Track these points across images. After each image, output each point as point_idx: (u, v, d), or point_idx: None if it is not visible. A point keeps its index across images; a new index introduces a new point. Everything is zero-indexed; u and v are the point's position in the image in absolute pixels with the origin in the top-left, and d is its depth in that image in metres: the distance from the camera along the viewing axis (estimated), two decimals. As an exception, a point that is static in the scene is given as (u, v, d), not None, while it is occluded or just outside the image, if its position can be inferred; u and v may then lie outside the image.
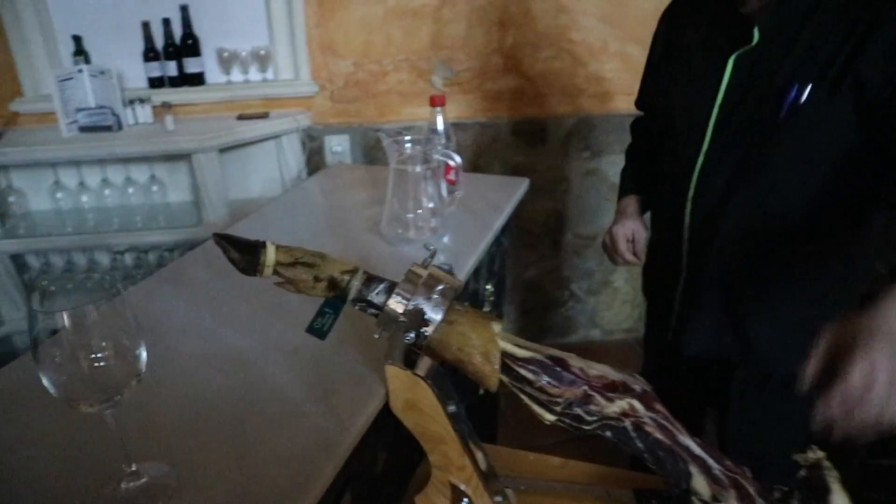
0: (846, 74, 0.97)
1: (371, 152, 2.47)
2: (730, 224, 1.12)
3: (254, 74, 2.38)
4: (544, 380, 0.76)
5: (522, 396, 0.79)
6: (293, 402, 0.85)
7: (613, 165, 2.52)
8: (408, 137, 1.25)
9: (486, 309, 1.57)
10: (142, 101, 2.28)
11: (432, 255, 0.81)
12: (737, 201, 1.10)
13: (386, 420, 0.87)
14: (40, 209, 2.42)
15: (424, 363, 0.81)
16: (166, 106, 2.23)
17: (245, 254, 0.73)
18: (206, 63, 2.36)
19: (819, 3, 1.00)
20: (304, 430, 0.80)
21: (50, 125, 2.26)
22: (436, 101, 1.43)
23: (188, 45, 2.31)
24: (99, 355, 0.60)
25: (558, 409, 0.78)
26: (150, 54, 2.32)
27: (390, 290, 0.76)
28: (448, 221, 1.37)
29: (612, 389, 0.78)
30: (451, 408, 0.83)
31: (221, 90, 2.37)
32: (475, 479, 0.85)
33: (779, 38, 1.04)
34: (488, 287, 1.55)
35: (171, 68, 2.34)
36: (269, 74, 2.39)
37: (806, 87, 1.00)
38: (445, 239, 1.34)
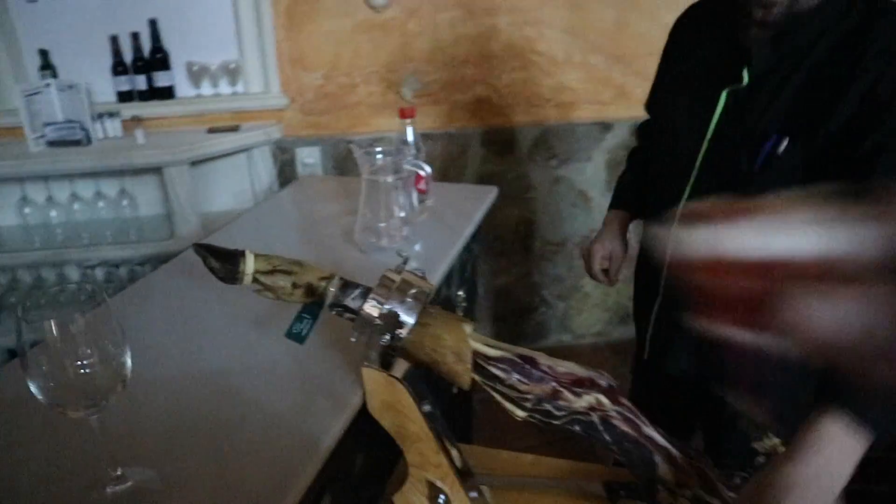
0: (823, 130, 0.96)
1: (342, 164, 2.50)
2: None
3: (224, 88, 2.39)
4: (514, 377, 0.80)
5: (494, 394, 0.83)
6: (273, 406, 0.87)
7: (579, 173, 2.59)
8: (379, 149, 1.29)
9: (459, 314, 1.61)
10: (111, 115, 2.28)
11: (405, 262, 0.84)
12: None
13: (363, 422, 0.90)
14: (7, 224, 2.39)
15: (400, 365, 0.85)
16: (136, 120, 2.23)
17: (225, 263, 0.75)
18: (176, 77, 2.37)
19: (812, 49, 0.98)
20: (284, 433, 0.83)
21: (17, 140, 2.25)
22: (405, 114, 1.46)
23: (157, 59, 2.32)
24: (85, 362, 0.62)
25: (528, 405, 0.82)
26: (118, 68, 2.32)
27: (366, 294, 0.79)
28: (419, 230, 1.41)
29: (580, 385, 0.82)
30: (427, 407, 0.86)
31: (191, 104, 2.37)
32: (451, 475, 0.88)
33: (767, 83, 1.02)
34: (460, 293, 1.58)
35: (141, 82, 2.34)
36: (240, 88, 2.40)
37: (784, 139, 0.99)
38: (417, 247, 1.37)
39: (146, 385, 0.90)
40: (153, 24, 2.29)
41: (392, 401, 0.84)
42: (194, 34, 2.34)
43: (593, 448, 0.91)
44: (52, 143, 2.22)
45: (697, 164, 1.11)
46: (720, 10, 1.12)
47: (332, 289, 0.79)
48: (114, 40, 2.29)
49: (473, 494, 0.91)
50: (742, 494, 0.80)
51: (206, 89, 2.39)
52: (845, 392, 0.80)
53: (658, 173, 1.25)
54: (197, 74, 2.35)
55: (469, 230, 1.50)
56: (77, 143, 2.22)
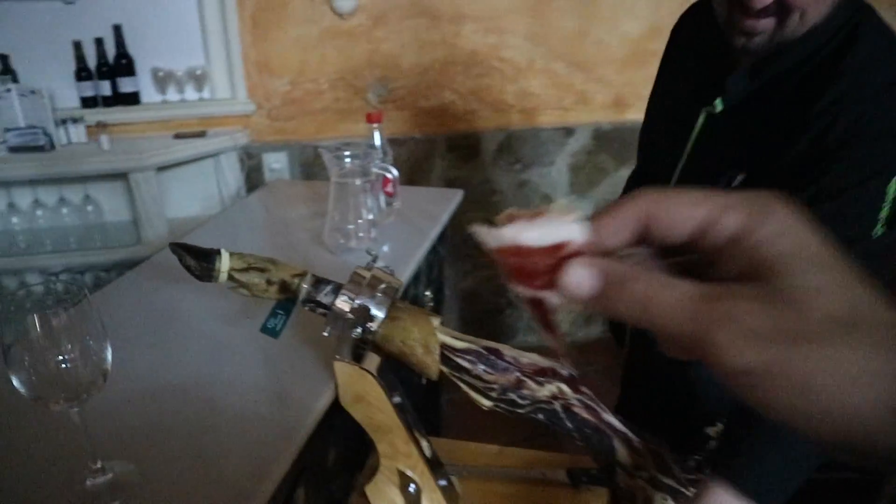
0: (776, 170, 0.93)
1: (309, 169, 2.52)
2: None
3: (190, 94, 2.40)
4: (480, 368, 0.84)
5: (461, 384, 0.86)
6: (248, 400, 0.90)
7: (543, 177, 2.65)
8: (347, 152, 1.32)
9: (427, 315, 1.64)
10: (74, 120, 2.27)
11: (374, 259, 0.88)
12: None
13: (335, 417, 0.94)
14: (-33, 232, 2.36)
15: (370, 358, 0.88)
16: (101, 125, 2.22)
17: (201, 261, 0.78)
18: (141, 83, 2.36)
19: (785, 82, 0.94)
20: (260, 426, 0.86)
21: (-23, 146, 2.22)
22: (372, 119, 1.50)
23: (122, 65, 2.31)
24: (67, 357, 0.65)
25: (494, 394, 0.86)
26: (82, 74, 2.31)
27: (337, 290, 0.82)
28: (387, 231, 1.44)
29: (542, 374, 0.86)
30: (396, 399, 0.90)
31: (157, 110, 2.37)
32: (421, 464, 0.92)
33: (738, 114, 0.99)
34: (427, 293, 1.62)
35: (105, 88, 2.33)
36: (206, 94, 2.41)
37: (740, 175, 0.97)
38: (385, 248, 1.40)
39: (123, 381, 0.91)
40: (117, 29, 2.28)
41: (363, 393, 0.88)
42: (160, 40, 2.34)
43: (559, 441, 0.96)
44: (14, 149, 2.20)
45: (674, 179, 1.10)
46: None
47: (305, 285, 0.82)
48: (77, 46, 2.28)
49: (443, 483, 0.95)
50: None
51: (173, 95, 2.39)
52: (730, 465, 0.86)
53: (637, 179, 1.28)
54: (163, 80, 2.35)
55: (435, 231, 1.54)
56: (40, 148, 2.21)
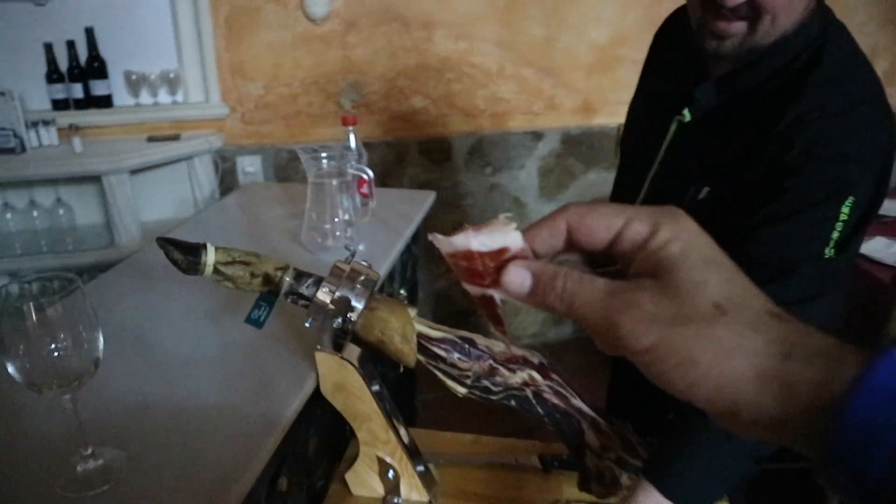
0: (738, 186, 0.94)
1: (283, 172, 2.54)
2: None
3: (163, 97, 2.41)
4: (455, 356, 0.88)
5: (437, 373, 0.90)
6: (232, 390, 0.93)
7: (513, 180, 2.71)
8: (324, 154, 1.36)
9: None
10: (46, 123, 2.26)
11: (353, 254, 0.91)
12: None
13: (316, 407, 0.97)
14: (-65, 235, 2.34)
15: (350, 349, 0.92)
16: (73, 128, 2.22)
17: (187, 255, 0.81)
18: (114, 85, 2.37)
19: (747, 98, 0.95)
20: (243, 415, 0.89)
21: (-54, 149, 2.20)
22: (347, 121, 1.54)
23: (94, 68, 2.31)
24: (60, 345, 0.67)
25: (468, 381, 0.90)
26: (53, 76, 2.30)
27: (318, 283, 0.86)
28: (363, 231, 1.48)
29: (514, 362, 0.91)
30: (375, 387, 0.94)
31: (130, 112, 2.38)
32: (399, 450, 0.96)
33: (706, 124, 1.00)
34: (402, 292, 1.66)
35: (77, 90, 2.33)
36: (179, 97, 2.42)
37: (704, 188, 0.99)
38: (361, 246, 1.44)
39: (112, 371, 0.94)
40: (89, 32, 2.28)
41: (344, 382, 0.91)
42: (132, 43, 2.35)
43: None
44: (-16, 152, 2.19)
45: (646, 185, 1.11)
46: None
47: (287, 278, 0.86)
48: (48, 48, 2.28)
49: (420, 468, 0.99)
50: None
51: (146, 98, 2.40)
52: (656, 468, 0.93)
53: (618, 182, 1.30)
54: (136, 83, 2.36)
55: (410, 231, 1.58)
56: (11, 151, 2.20)
